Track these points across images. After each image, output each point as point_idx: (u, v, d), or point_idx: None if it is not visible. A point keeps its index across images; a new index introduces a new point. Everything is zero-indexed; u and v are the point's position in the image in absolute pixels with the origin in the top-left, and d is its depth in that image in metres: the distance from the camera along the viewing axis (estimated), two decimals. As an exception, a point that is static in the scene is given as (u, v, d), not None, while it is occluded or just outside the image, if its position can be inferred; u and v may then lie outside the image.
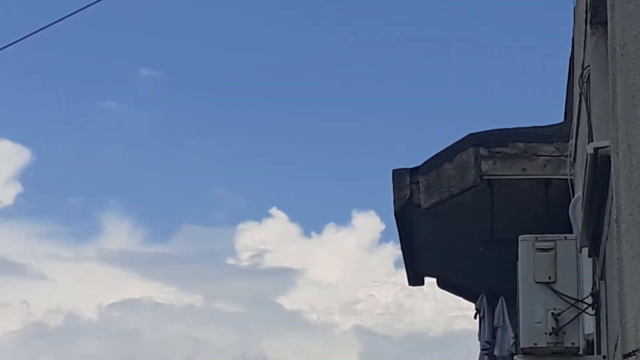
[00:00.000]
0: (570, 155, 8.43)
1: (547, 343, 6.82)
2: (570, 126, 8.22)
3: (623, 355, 4.27)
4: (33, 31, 7.95)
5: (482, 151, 8.26)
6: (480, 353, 10.96)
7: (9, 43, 8.05)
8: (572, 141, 8.17)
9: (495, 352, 9.78)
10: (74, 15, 7.75)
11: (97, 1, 7.38)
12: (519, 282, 7.05)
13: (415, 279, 10.92)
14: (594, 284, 6.52)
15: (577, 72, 7.42)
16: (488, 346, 10.32)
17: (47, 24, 8.09)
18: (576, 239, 6.94)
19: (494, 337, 9.81)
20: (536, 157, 8.42)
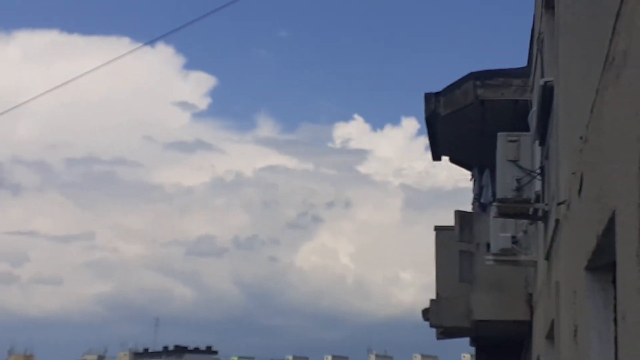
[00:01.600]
0: (530, 85, 11.57)
1: (512, 196, 9.08)
2: (531, 68, 11.49)
3: (557, 204, 6.35)
4: None
5: (477, 83, 12.39)
6: (473, 200, 14.55)
7: None
8: (532, 77, 11.27)
9: (482, 200, 13.44)
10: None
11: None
12: (497, 160, 9.38)
13: (436, 157, 14.99)
14: (541, 161, 8.83)
15: (536, 36, 10.33)
16: (477, 197, 13.94)
17: None
18: (532, 135, 9.08)
19: (481, 191, 13.87)
20: (510, 86, 12.25)
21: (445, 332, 13.17)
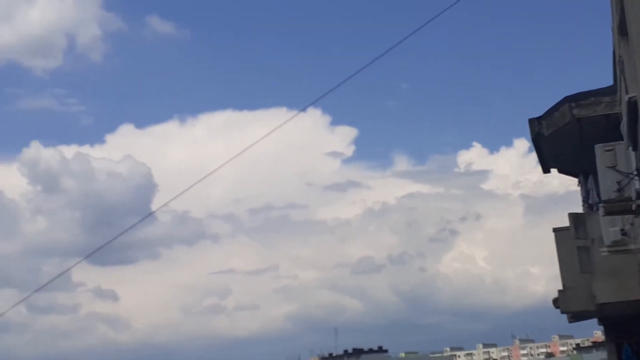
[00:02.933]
0: (618, 100, 13.14)
1: (615, 196, 10.09)
2: (616, 86, 13.20)
3: None
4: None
5: (572, 104, 14.40)
6: (582, 202, 16.15)
7: None
8: (618, 94, 12.91)
9: (590, 201, 14.98)
10: None
11: None
12: (598, 167, 10.44)
13: (546, 170, 16.77)
14: (636, 164, 9.78)
15: (617, 58, 12.07)
16: (586, 199, 15.59)
17: None
18: (625, 143, 10.16)
19: (588, 194, 15.13)
20: (601, 104, 13.85)
21: (575, 316, 15.09)
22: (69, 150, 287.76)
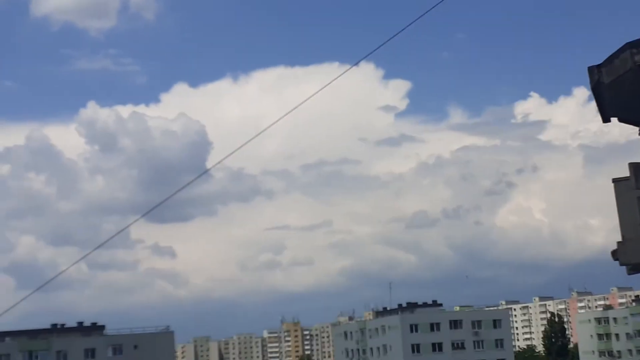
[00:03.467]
0: None
1: None
2: None
3: None
4: None
5: (634, 51, 14.05)
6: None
7: None
8: None
9: None
10: None
11: None
12: None
13: (606, 119, 16.46)
14: None
15: None
16: None
17: None
18: None
19: None
20: None
21: (634, 268, 14.84)
22: (125, 110, 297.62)
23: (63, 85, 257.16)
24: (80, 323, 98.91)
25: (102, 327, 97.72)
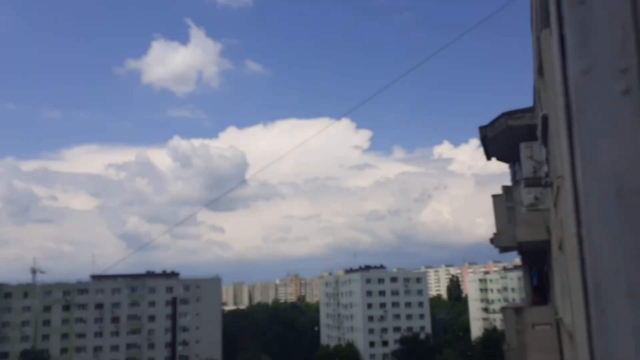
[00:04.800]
0: (537, 116, 17.65)
1: (532, 175, 13.30)
2: (535, 106, 17.42)
3: (557, 177, 9.19)
4: None
5: (507, 118, 19.82)
6: (511, 179, 21.33)
7: None
8: (536, 111, 16.97)
9: (517, 178, 19.70)
10: None
11: None
12: (521, 157, 13.76)
13: (488, 158, 20.89)
14: (545, 155, 11.54)
15: (536, 90, 15.66)
16: (514, 176, 20.73)
17: None
18: (539, 142, 12.40)
19: (515, 174, 20.65)
20: (525, 117, 19.31)
21: (503, 249, 20.43)
22: (197, 142, 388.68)
23: (160, 125, 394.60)
24: (164, 271, 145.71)
25: (177, 274, 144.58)
